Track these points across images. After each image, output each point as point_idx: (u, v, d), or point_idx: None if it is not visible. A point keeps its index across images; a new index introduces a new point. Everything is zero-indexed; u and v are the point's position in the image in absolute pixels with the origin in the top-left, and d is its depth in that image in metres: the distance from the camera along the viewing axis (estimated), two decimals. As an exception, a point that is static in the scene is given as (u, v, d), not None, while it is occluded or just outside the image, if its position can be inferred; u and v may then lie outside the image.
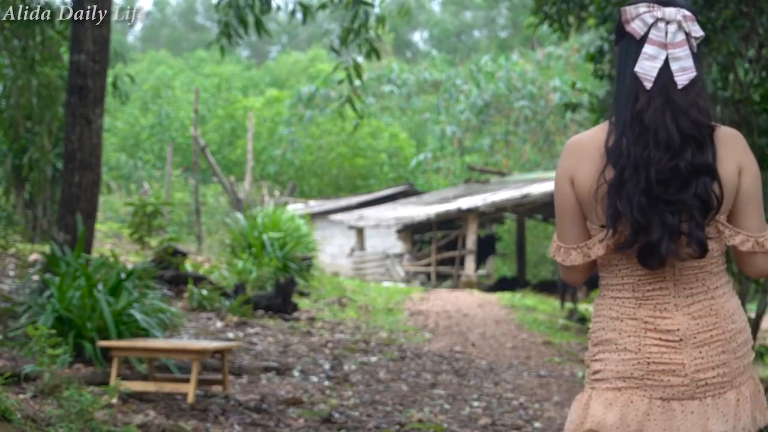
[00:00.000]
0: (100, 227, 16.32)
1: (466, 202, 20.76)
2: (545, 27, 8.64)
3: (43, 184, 10.66)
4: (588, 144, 2.16)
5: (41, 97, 8.48)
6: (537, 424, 5.59)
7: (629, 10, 2.15)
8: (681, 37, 2.12)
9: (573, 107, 7.48)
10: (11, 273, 8.93)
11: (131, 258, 12.00)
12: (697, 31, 2.13)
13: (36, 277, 7.40)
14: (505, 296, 15.71)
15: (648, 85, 2.10)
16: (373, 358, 7.55)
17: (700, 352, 2.12)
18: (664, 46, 2.12)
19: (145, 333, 6.10)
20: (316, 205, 26.32)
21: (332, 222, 24.30)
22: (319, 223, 23.03)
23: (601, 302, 2.19)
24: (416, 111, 32.68)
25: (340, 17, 9.95)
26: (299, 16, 8.83)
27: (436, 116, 29.87)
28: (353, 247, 24.01)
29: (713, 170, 2.08)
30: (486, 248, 21.57)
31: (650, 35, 2.12)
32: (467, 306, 13.17)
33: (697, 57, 2.13)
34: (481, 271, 21.81)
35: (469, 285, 19.00)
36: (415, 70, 31.93)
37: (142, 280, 6.77)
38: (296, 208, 22.01)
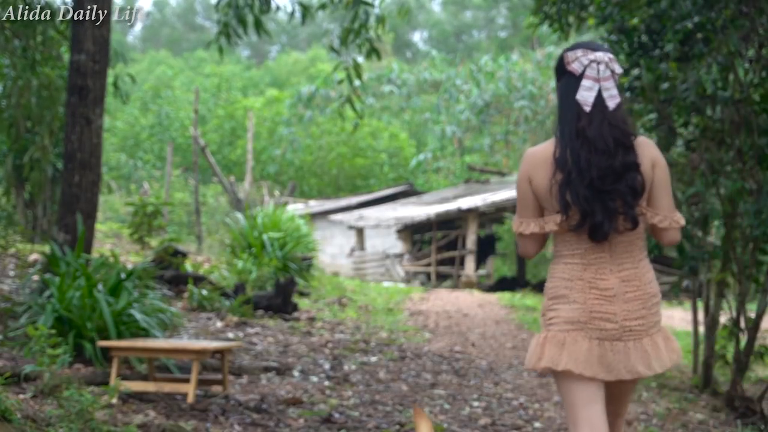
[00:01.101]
0: (100, 227, 16.32)
1: (466, 202, 20.76)
2: (545, 27, 8.63)
3: (43, 184, 10.66)
4: (540, 155, 2.93)
5: (41, 97, 8.48)
6: (537, 424, 5.59)
7: (569, 55, 2.96)
8: (608, 73, 2.91)
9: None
10: (11, 273, 8.93)
11: (131, 258, 12.00)
12: (618, 69, 2.93)
13: (36, 277, 7.40)
14: (505, 296, 15.72)
15: (587, 108, 2.88)
16: (373, 358, 7.55)
17: (627, 306, 2.90)
18: (597, 80, 2.91)
19: (145, 333, 6.10)
20: (316, 205, 26.32)
21: (332, 222, 24.30)
22: (319, 223, 23.03)
23: (555, 267, 2.98)
24: (416, 111, 32.67)
25: (340, 17, 9.95)
26: (298, 16, 8.83)
27: (436, 116, 29.86)
28: (353, 247, 24.01)
29: (638, 166, 2.88)
30: (486, 248, 21.58)
31: (586, 72, 2.91)
32: (467, 306, 13.17)
33: (618, 87, 2.93)
34: (481, 271, 21.82)
35: (469, 285, 19.00)
36: (415, 70, 31.92)
37: (142, 280, 6.77)
38: (296, 208, 22.01)
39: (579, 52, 2.94)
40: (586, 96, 2.90)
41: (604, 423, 2.91)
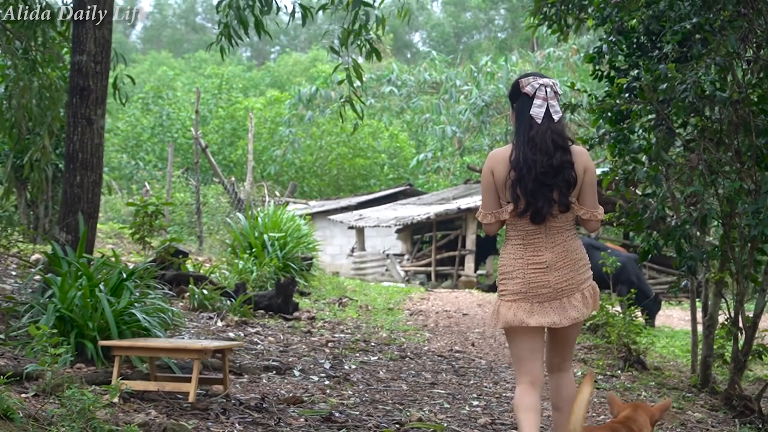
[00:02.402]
0: (101, 227, 16.34)
1: (465, 202, 20.77)
2: (544, 28, 8.65)
3: (44, 185, 10.68)
4: (501, 155, 3.92)
5: (43, 98, 8.50)
6: (536, 423, 5.61)
7: (523, 81, 3.94)
8: (553, 94, 3.91)
9: (572, 108, 7.49)
10: (13, 273, 8.96)
11: (132, 258, 12.02)
12: (560, 90, 3.94)
13: (38, 277, 7.43)
14: (505, 296, 15.70)
15: (538, 121, 3.88)
16: (373, 358, 7.57)
17: (558, 273, 3.88)
18: (545, 99, 3.90)
19: (147, 332, 6.12)
20: (316, 205, 26.33)
21: (332, 222, 24.31)
22: (319, 223, 23.04)
23: (505, 248, 3.96)
24: (416, 111, 32.68)
25: (340, 18, 9.97)
26: (299, 17, 8.84)
27: (436, 117, 29.87)
28: (354, 246, 24.02)
29: (572, 164, 3.86)
30: (487, 247, 21.58)
31: (537, 94, 3.90)
32: (467, 306, 13.19)
33: (560, 104, 3.95)
34: (481, 271, 21.82)
35: (469, 285, 19.01)
36: (415, 70, 31.91)
37: (144, 280, 6.79)
38: (297, 208, 22.03)
39: (530, 79, 3.93)
40: (537, 112, 3.88)
41: (542, 373, 3.95)
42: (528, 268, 3.87)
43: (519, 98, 3.95)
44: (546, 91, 3.87)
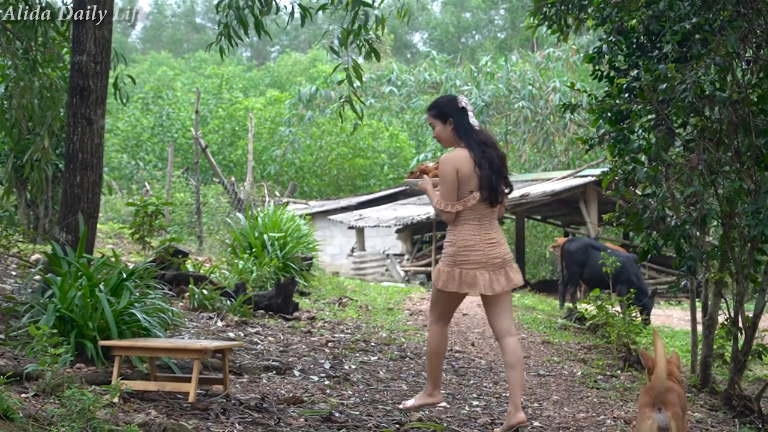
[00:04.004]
0: (101, 227, 16.35)
1: (466, 203, 20.73)
2: (544, 28, 8.65)
3: (44, 185, 10.68)
4: (462, 156, 5.09)
5: (43, 98, 8.50)
6: (536, 423, 5.62)
7: (459, 98, 5.26)
8: (471, 108, 5.25)
9: (572, 108, 7.50)
10: (13, 273, 8.96)
11: (132, 258, 12.03)
12: (471, 108, 5.25)
13: (38, 277, 7.43)
14: (505, 296, 15.70)
15: (476, 128, 5.22)
16: (373, 358, 7.57)
17: (501, 249, 5.14)
18: (472, 113, 5.24)
19: (147, 332, 6.12)
20: (316, 205, 26.33)
21: (332, 222, 24.31)
22: (319, 223, 23.05)
23: (462, 227, 5.10)
24: (416, 111, 32.68)
25: (339, 18, 9.97)
26: (298, 17, 8.84)
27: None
28: (354, 247, 24.02)
29: (505, 158, 5.24)
30: None
31: (467, 108, 5.23)
32: (467, 305, 13.19)
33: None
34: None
35: (469, 285, 18.98)
36: (415, 70, 31.92)
37: (144, 280, 6.80)
38: (297, 208, 22.03)
39: (461, 97, 5.26)
40: (474, 121, 5.22)
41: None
42: (483, 243, 5.07)
43: (458, 112, 5.19)
44: (469, 107, 5.24)
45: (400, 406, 5.49)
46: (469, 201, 5.03)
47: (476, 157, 5.04)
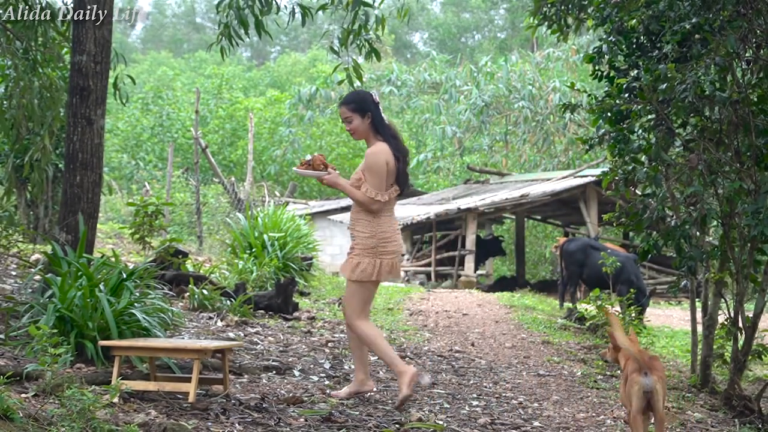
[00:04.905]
0: (101, 227, 16.35)
1: (465, 202, 20.77)
2: (544, 28, 8.66)
3: (44, 185, 10.68)
4: (387, 149, 5.47)
5: (43, 98, 8.50)
6: (536, 423, 5.62)
7: (373, 93, 5.62)
8: (379, 103, 5.60)
9: (572, 108, 7.50)
10: (13, 273, 8.96)
11: (132, 258, 12.03)
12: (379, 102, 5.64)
13: (38, 277, 7.43)
14: (504, 296, 15.73)
15: (386, 122, 5.58)
16: (373, 358, 7.57)
17: (401, 238, 5.63)
18: (381, 107, 5.60)
19: (147, 332, 6.12)
20: (316, 205, 26.33)
21: (332, 222, 24.31)
22: (319, 223, 23.03)
23: (381, 219, 5.47)
24: (416, 111, 32.69)
25: (340, 18, 9.97)
26: (298, 17, 8.84)
27: (436, 117, 29.87)
28: (354, 247, 23.96)
29: (408, 152, 5.77)
30: (493, 250, 21.56)
31: (379, 103, 5.59)
32: (467, 306, 13.19)
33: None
34: (481, 271, 21.82)
35: (469, 285, 19.01)
36: (415, 71, 31.91)
37: (144, 280, 6.80)
38: (297, 208, 22.03)
39: (375, 92, 5.64)
40: (385, 116, 5.53)
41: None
42: (395, 233, 5.51)
43: (373, 107, 5.51)
44: (379, 102, 5.60)
45: (332, 395, 5.75)
46: (393, 193, 5.47)
47: (393, 150, 5.45)
